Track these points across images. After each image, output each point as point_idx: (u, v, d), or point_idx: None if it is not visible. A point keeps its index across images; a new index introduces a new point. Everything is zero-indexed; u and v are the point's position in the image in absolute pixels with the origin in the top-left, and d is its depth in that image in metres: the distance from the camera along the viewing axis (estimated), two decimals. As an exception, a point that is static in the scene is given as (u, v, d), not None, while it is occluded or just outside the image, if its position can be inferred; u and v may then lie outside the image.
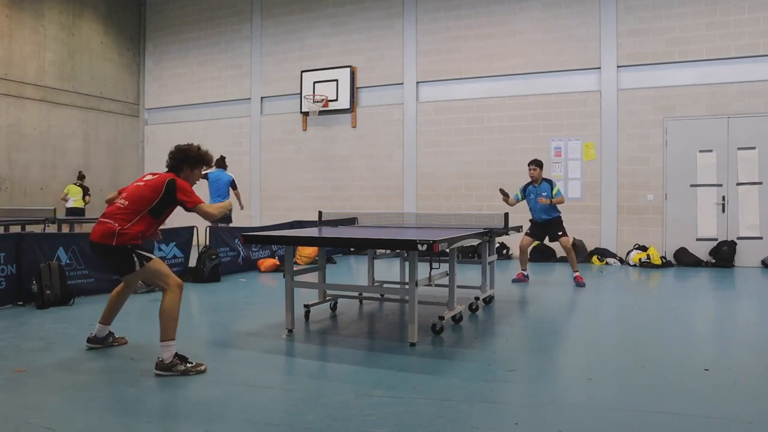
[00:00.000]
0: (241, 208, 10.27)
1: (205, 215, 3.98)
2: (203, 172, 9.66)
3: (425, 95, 11.92)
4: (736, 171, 9.75)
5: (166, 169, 4.10)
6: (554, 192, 7.66)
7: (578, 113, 10.70)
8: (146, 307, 5.99)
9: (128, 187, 4.09)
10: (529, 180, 7.88)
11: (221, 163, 9.93)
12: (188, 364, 3.75)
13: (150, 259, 3.88)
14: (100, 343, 4.36)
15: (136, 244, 3.86)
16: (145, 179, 4.03)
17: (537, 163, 7.81)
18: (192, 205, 3.89)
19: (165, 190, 3.86)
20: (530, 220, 8.00)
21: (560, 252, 10.55)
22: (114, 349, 4.32)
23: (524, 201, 7.91)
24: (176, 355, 3.75)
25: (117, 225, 3.81)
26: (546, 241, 8.21)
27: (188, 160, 4.06)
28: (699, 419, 2.94)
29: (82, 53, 13.70)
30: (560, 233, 7.70)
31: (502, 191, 7.74)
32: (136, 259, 3.83)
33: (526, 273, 7.97)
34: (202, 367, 3.78)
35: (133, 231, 3.83)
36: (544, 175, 8.11)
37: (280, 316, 5.37)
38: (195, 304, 6.49)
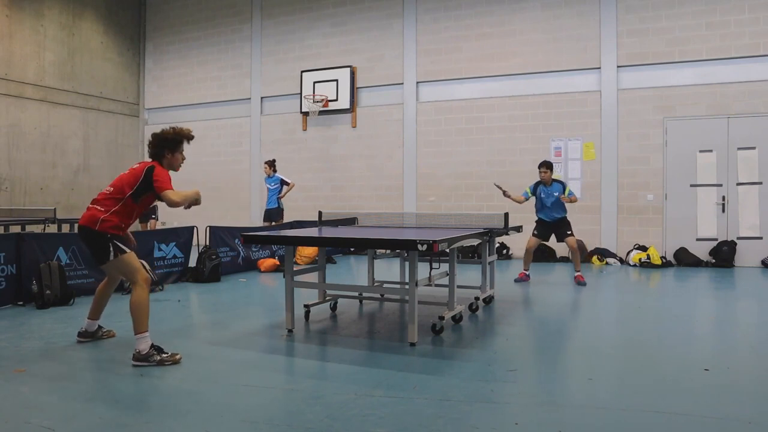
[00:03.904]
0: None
1: (169, 202, 3.93)
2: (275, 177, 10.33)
3: (425, 95, 11.91)
4: (736, 171, 9.75)
5: (150, 159, 4.24)
6: (567, 192, 7.73)
7: (578, 113, 10.70)
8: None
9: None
10: (538, 180, 7.91)
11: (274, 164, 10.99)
12: (164, 354, 3.89)
13: (125, 252, 4.02)
14: (91, 336, 4.54)
15: (116, 234, 3.99)
16: (131, 168, 4.19)
17: (548, 165, 7.82)
18: (160, 190, 3.95)
19: (144, 176, 4.00)
20: (536, 221, 8.02)
21: (560, 252, 10.56)
22: (112, 348, 4.32)
23: (529, 200, 7.96)
24: (152, 345, 3.89)
25: (102, 210, 3.97)
26: (552, 240, 8.24)
27: (166, 144, 4.16)
28: (699, 419, 2.94)
29: (82, 53, 13.69)
30: (569, 232, 7.80)
31: (499, 187, 7.78)
32: (111, 249, 3.95)
33: (528, 272, 8.04)
34: (178, 357, 3.93)
35: (116, 219, 3.97)
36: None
37: (280, 316, 5.38)
38: (195, 304, 6.49)
